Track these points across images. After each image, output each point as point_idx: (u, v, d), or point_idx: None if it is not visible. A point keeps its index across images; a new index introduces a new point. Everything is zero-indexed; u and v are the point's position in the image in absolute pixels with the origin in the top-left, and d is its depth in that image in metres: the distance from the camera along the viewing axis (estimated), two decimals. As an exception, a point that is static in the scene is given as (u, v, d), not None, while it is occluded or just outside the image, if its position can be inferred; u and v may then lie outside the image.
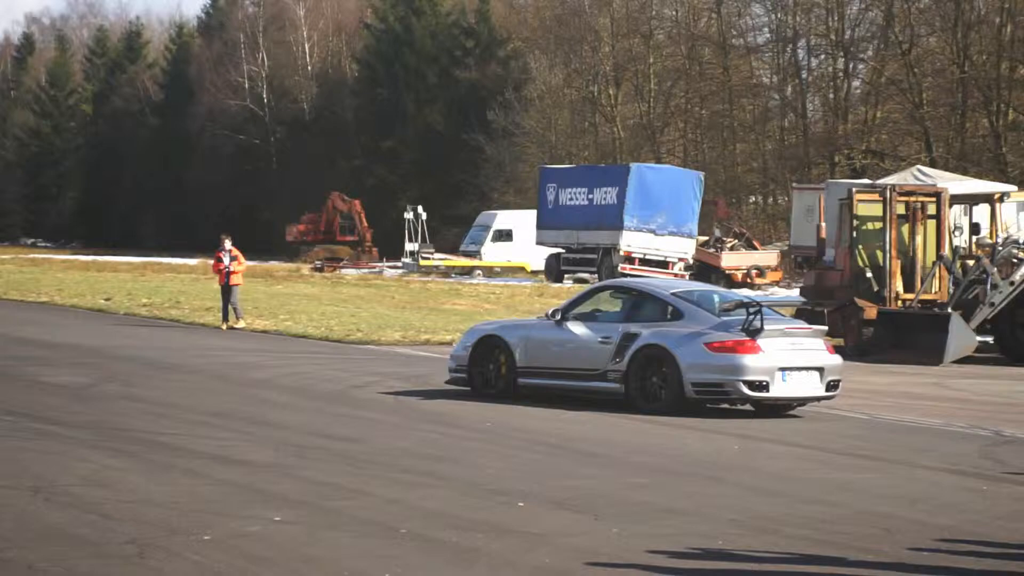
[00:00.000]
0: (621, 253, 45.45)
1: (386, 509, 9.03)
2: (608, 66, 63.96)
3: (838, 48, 54.93)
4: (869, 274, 22.78)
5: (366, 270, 54.60)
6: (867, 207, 23.01)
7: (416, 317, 28.10)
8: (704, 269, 45.23)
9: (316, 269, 53.51)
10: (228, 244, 25.76)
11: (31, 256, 66.84)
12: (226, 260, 25.54)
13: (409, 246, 54.91)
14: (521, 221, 52.64)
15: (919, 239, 22.87)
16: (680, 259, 45.82)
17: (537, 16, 71.72)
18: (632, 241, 45.56)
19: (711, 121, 61.56)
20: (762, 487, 10.28)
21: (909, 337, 21.61)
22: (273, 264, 56.65)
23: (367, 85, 76.41)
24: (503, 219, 54.56)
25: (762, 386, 13.94)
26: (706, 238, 46.42)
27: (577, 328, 14.80)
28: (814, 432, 13.60)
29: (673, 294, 14.80)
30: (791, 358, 14.12)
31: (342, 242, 62.46)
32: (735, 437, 13.03)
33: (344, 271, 53.51)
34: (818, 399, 14.56)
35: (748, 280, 43.27)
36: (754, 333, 13.95)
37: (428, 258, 52.34)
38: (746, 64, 60.52)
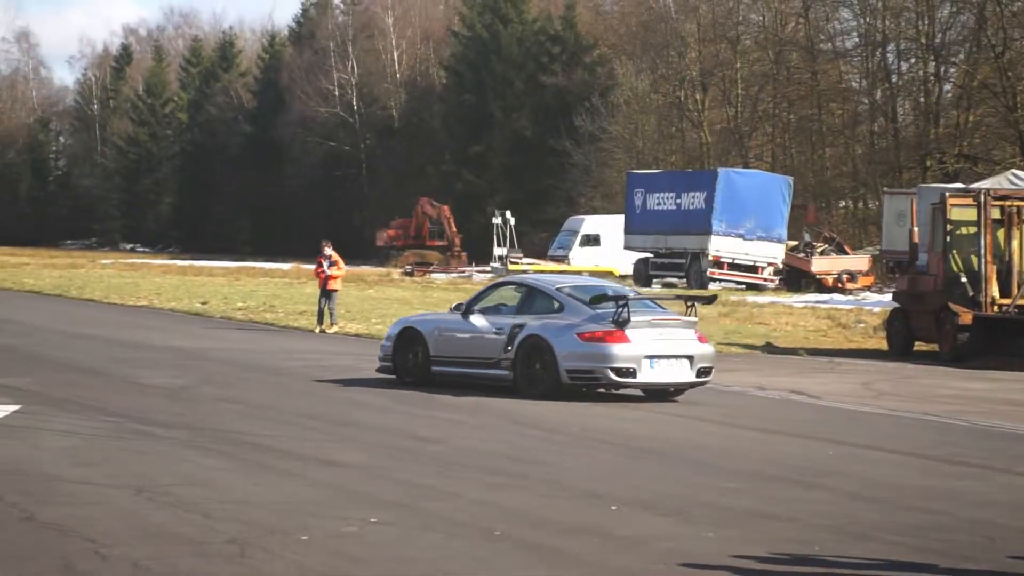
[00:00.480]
0: (710, 258, 45.27)
1: (479, 511, 9.10)
2: (695, 71, 63.62)
3: (928, 52, 54.04)
4: (964, 279, 22.44)
5: (456, 274, 54.87)
6: (961, 212, 22.69)
7: (505, 322, 28.13)
8: (794, 274, 44.88)
9: (406, 273, 53.89)
10: (328, 250, 26.34)
11: (130, 261, 68.15)
12: (325, 265, 26.02)
13: (498, 251, 55.09)
14: (609, 226, 52.57)
15: (1015, 244, 22.49)
16: (769, 263, 45.50)
17: (623, 22, 71.54)
18: (721, 246, 45.36)
19: (799, 125, 60.92)
20: (859, 493, 10.18)
21: (1006, 343, 21.28)
22: (364, 268, 57.10)
23: (455, 92, 76.81)
24: (591, 224, 54.53)
25: (629, 372, 15.03)
26: (796, 243, 46.03)
27: (477, 320, 16.09)
28: (910, 438, 13.45)
29: (557, 288, 15.99)
30: (658, 347, 15.14)
31: (432, 247, 62.82)
32: (828, 442, 12.94)
33: (434, 275, 53.83)
34: (690, 385, 15.52)
35: (839, 285, 42.77)
36: (622, 324, 15.05)
37: (517, 262, 52.45)
38: (834, 68, 59.77)
